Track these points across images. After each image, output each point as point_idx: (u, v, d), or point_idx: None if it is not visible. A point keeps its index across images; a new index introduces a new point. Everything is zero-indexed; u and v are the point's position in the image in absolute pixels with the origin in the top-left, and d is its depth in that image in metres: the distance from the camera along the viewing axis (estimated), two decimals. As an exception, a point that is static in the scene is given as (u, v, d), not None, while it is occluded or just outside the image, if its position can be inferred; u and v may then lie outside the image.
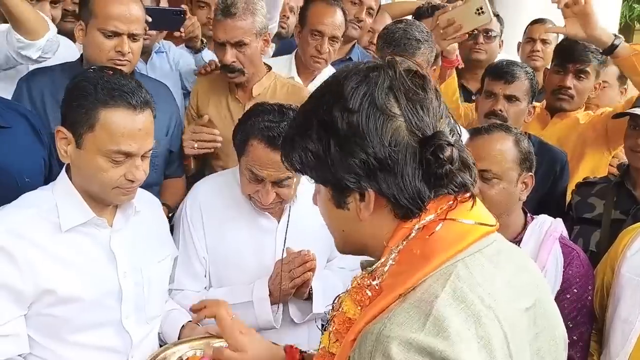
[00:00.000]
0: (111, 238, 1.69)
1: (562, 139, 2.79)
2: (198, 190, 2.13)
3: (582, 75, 2.83)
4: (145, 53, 2.91)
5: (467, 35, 2.89)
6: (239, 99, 2.54)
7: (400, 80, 0.97)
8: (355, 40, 3.39)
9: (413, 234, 0.97)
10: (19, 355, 1.61)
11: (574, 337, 1.96)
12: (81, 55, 2.31)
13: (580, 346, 1.98)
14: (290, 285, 1.96)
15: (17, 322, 1.58)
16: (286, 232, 1.96)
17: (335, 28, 2.78)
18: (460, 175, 0.98)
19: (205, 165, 2.64)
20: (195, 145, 2.44)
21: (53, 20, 2.52)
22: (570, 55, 2.81)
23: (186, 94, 2.94)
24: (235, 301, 1.89)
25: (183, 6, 2.78)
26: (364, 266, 1.07)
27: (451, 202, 0.97)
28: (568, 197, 2.60)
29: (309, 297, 2.05)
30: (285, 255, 1.99)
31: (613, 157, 2.82)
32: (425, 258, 0.95)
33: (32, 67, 2.40)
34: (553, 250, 1.98)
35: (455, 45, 2.90)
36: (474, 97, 3.10)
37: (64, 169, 1.69)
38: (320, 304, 2.03)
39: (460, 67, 3.09)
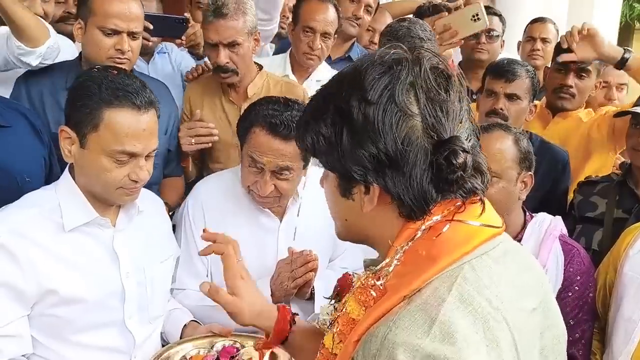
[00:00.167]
0: (114, 238, 1.68)
1: (565, 138, 2.78)
2: (200, 190, 2.13)
3: (583, 74, 2.81)
4: (148, 54, 2.91)
5: (462, 41, 2.90)
6: (233, 101, 2.54)
7: (424, 78, 0.94)
8: (355, 39, 3.39)
9: (419, 235, 0.96)
10: (22, 355, 1.60)
11: (576, 335, 1.96)
12: (80, 54, 2.31)
13: (583, 343, 1.98)
14: (292, 285, 1.96)
15: (20, 322, 1.58)
16: (295, 233, 1.95)
17: (327, 24, 2.77)
18: (470, 181, 0.96)
19: (204, 168, 2.64)
20: (193, 141, 2.43)
21: (46, 15, 2.50)
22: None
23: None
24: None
25: (186, 14, 2.77)
26: (367, 265, 1.06)
27: (459, 204, 0.96)
28: (570, 196, 2.59)
29: (311, 297, 2.04)
30: (287, 255, 1.98)
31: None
32: (431, 259, 0.93)
33: (30, 66, 2.39)
34: (553, 248, 1.98)
35: (451, 51, 2.90)
36: (475, 97, 3.09)
37: (67, 168, 1.69)
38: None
39: (456, 73, 3.08)
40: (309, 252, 1.96)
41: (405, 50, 0.97)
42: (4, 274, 1.54)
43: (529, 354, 0.95)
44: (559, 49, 2.83)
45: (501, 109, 2.56)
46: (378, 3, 3.48)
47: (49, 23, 2.67)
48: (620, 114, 2.50)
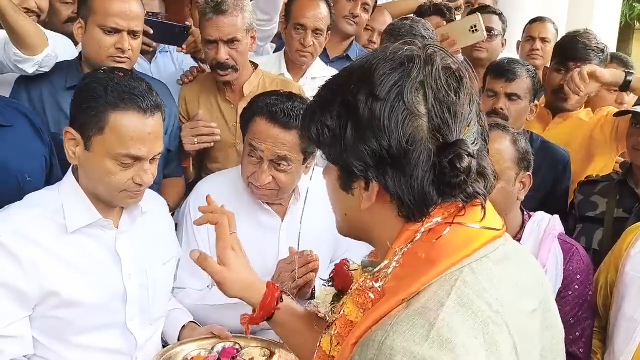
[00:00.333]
0: (117, 240, 1.68)
1: (567, 139, 2.78)
2: (201, 189, 2.13)
3: (584, 75, 2.81)
4: (150, 53, 2.90)
5: (460, 51, 2.91)
6: (229, 100, 2.54)
7: (435, 78, 0.92)
8: (353, 38, 3.38)
9: (418, 237, 0.94)
10: (23, 356, 1.59)
11: (577, 333, 1.96)
12: (80, 54, 2.30)
13: (584, 342, 1.98)
14: (293, 285, 1.95)
15: (21, 323, 1.57)
16: (299, 233, 1.95)
17: (318, 20, 2.76)
18: (473, 186, 0.95)
19: (202, 168, 2.64)
20: (195, 141, 2.43)
21: (40, 10, 2.47)
22: (572, 54, 2.80)
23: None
24: (237, 300, 1.87)
25: (187, 23, 2.77)
26: (365, 266, 1.05)
27: (460, 206, 0.95)
28: (571, 196, 2.59)
29: (312, 298, 2.04)
30: (288, 255, 1.98)
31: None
32: (430, 262, 0.92)
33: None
34: (553, 248, 1.99)
35: None
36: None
37: (70, 169, 1.68)
38: (323, 305, 2.02)
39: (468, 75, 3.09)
40: (310, 253, 1.96)
41: (420, 47, 0.95)
42: (5, 274, 1.53)
43: (529, 357, 0.94)
44: (559, 50, 2.84)
45: (501, 108, 2.56)
46: (376, 2, 3.47)
47: (58, 23, 2.68)
48: (620, 113, 2.50)
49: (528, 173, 2.02)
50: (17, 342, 1.57)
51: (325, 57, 3.16)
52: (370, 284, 0.97)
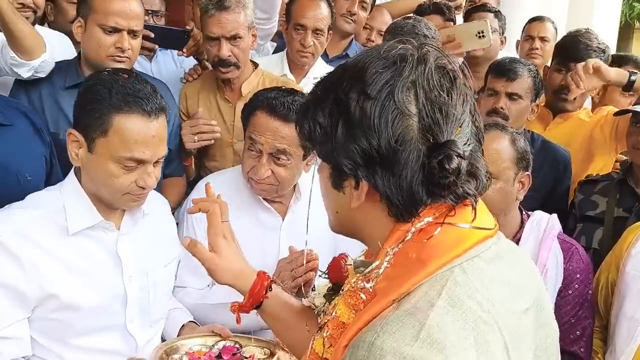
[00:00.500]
0: (118, 241, 1.67)
1: (567, 139, 2.78)
2: (202, 187, 2.11)
3: (584, 75, 2.81)
4: (151, 51, 2.90)
5: (464, 53, 2.90)
6: (228, 99, 2.53)
7: (427, 78, 0.91)
8: (353, 36, 3.38)
9: (409, 237, 0.94)
10: (21, 357, 1.58)
11: (577, 333, 1.96)
12: (79, 53, 2.30)
13: (584, 341, 1.98)
14: (293, 284, 1.95)
15: (20, 324, 1.56)
16: (306, 232, 1.95)
17: (318, 20, 2.76)
18: (462, 186, 0.93)
19: (200, 166, 2.64)
20: (196, 138, 2.43)
21: (37, 7, 2.45)
22: (572, 53, 2.79)
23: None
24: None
25: (188, 27, 2.77)
26: (357, 266, 1.04)
27: (451, 206, 0.94)
28: (571, 196, 2.59)
29: (312, 297, 2.04)
30: (288, 254, 1.97)
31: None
32: (421, 262, 0.91)
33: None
34: (553, 247, 1.98)
35: None
36: (476, 96, 3.09)
37: (72, 170, 1.67)
38: (323, 305, 2.02)
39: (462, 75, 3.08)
40: (310, 252, 1.96)
41: (413, 46, 0.95)
42: (5, 274, 1.52)
43: (521, 356, 0.94)
44: (559, 50, 2.83)
45: (502, 108, 2.55)
46: (374, 0, 3.47)
47: (64, 23, 2.66)
48: (620, 113, 2.50)
49: (527, 173, 2.02)
50: (16, 344, 1.56)
51: (324, 56, 3.16)
52: (362, 284, 0.97)
